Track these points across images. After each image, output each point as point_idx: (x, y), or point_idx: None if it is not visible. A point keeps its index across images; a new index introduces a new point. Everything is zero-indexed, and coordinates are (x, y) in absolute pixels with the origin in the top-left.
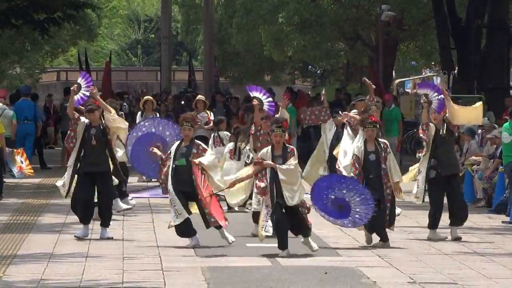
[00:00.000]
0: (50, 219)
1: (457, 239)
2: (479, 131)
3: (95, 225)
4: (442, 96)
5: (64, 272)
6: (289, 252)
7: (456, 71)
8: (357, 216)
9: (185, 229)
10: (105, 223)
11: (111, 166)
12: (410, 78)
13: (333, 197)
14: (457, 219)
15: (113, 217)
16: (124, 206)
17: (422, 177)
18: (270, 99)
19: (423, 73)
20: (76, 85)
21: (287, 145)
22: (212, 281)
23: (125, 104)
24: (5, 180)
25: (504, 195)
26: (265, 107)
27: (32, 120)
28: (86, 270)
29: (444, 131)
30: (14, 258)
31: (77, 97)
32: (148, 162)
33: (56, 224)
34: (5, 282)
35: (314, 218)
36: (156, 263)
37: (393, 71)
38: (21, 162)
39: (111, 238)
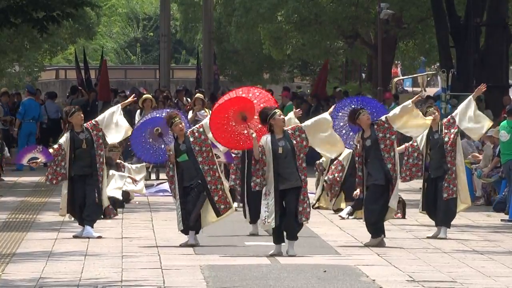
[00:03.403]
0: (49, 217)
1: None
2: None
3: (96, 224)
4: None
5: (63, 270)
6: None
7: (455, 70)
8: None
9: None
10: (89, 222)
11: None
12: (410, 76)
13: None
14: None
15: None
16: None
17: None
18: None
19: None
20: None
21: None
22: (211, 279)
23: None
24: (4, 178)
25: (503, 193)
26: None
27: (37, 120)
28: (85, 268)
29: (439, 133)
30: (13, 256)
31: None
32: (146, 148)
33: (55, 223)
34: (4, 281)
35: (313, 217)
36: (155, 261)
37: (398, 68)
38: None
39: (100, 237)
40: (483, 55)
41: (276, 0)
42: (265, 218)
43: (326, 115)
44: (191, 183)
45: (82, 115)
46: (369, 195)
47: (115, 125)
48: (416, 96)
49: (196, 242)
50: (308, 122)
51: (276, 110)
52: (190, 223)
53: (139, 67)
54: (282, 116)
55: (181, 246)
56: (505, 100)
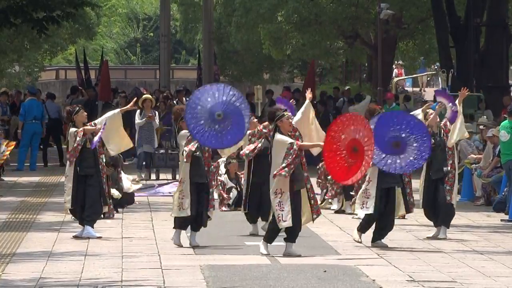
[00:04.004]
0: (49, 217)
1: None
2: (481, 127)
3: (96, 224)
4: (456, 108)
5: (63, 270)
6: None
7: (455, 70)
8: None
9: (183, 222)
10: (90, 222)
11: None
12: (409, 76)
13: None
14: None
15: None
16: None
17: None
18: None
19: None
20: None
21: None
22: (211, 279)
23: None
24: (4, 178)
25: (503, 193)
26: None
27: (40, 120)
28: (85, 268)
29: (439, 136)
30: (13, 256)
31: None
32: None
33: (55, 223)
34: (4, 281)
35: None
36: (155, 261)
37: (402, 68)
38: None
39: (100, 237)
40: (483, 55)
41: (276, 0)
42: (280, 217)
43: (306, 102)
44: (199, 181)
45: (85, 113)
46: (392, 200)
47: (114, 134)
48: (437, 107)
49: (197, 243)
50: (296, 118)
51: (285, 113)
52: (204, 224)
53: (139, 67)
54: (289, 120)
55: (174, 242)
56: (505, 100)
